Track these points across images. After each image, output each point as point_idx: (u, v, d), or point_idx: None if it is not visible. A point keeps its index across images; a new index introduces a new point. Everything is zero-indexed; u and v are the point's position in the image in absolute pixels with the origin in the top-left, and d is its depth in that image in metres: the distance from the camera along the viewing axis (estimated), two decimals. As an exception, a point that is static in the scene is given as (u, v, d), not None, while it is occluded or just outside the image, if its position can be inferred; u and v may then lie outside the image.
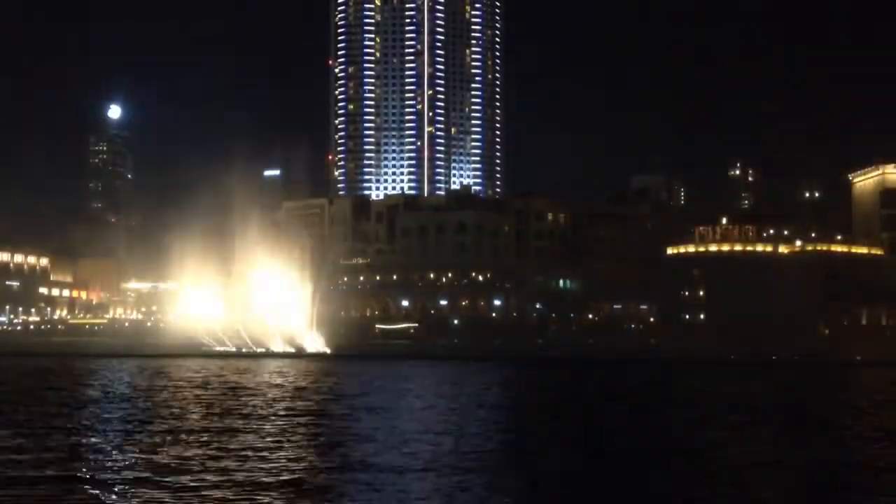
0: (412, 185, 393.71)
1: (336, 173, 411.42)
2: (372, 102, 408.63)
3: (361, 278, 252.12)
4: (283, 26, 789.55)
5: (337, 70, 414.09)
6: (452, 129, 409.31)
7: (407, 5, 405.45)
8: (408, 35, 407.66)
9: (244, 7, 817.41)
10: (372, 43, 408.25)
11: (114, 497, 29.70)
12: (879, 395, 68.56)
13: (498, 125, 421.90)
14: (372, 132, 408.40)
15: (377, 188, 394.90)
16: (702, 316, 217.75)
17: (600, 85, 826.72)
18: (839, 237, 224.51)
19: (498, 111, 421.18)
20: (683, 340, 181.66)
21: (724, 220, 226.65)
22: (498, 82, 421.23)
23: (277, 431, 46.03)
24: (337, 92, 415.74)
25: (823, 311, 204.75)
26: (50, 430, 45.97)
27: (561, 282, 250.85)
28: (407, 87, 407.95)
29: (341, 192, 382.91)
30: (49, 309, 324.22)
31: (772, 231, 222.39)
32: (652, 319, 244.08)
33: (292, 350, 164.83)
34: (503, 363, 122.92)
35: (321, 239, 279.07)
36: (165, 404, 61.13)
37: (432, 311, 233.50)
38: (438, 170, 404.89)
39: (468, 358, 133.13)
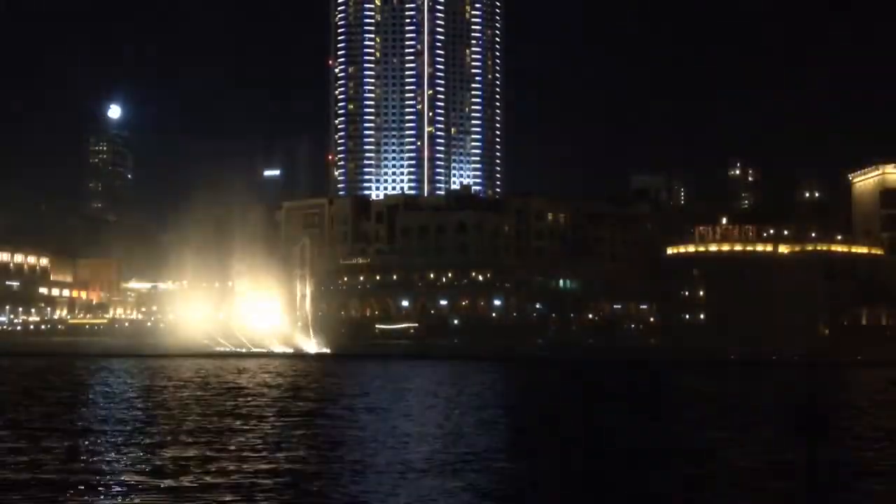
0: (412, 185, 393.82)
1: (336, 173, 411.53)
2: (372, 102, 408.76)
3: (361, 278, 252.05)
4: (283, 26, 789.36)
5: (337, 70, 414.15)
6: (452, 129, 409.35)
7: (407, 5, 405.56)
8: (408, 35, 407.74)
9: (244, 7, 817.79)
10: (372, 43, 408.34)
11: (113, 499, 29.68)
12: (879, 396, 68.56)
13: (498, 125, 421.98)
14: (372, 132, 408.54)
15: (377, 188, 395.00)
16: (702, 316, 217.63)
17: (600, 85, 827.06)
18: (839, 237, 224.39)
19: (498, 111, 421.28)
20: (683, 340, 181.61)
21: (724, 220, 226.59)
22: (498, 82, 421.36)
23: (277, 432, 46.02)
24: (337, 92, 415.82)
25: (823, 311, 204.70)
26: (49, 430, 45.95)
27: (561, 282, 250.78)
28: (407, 87, 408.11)
29: (341, 192, 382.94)
30: (49, 309, 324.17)
31: (772, 231, 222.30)
32: (652, 319, 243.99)
33: (292, 350, 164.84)
34: (503, 363, 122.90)
35: (321, 239, 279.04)
36: (165, 405, 61.12)
37: (432, 311, 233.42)
38: (438, 170, 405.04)
39: (468, 358, 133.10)
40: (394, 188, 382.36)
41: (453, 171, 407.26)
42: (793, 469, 35.27)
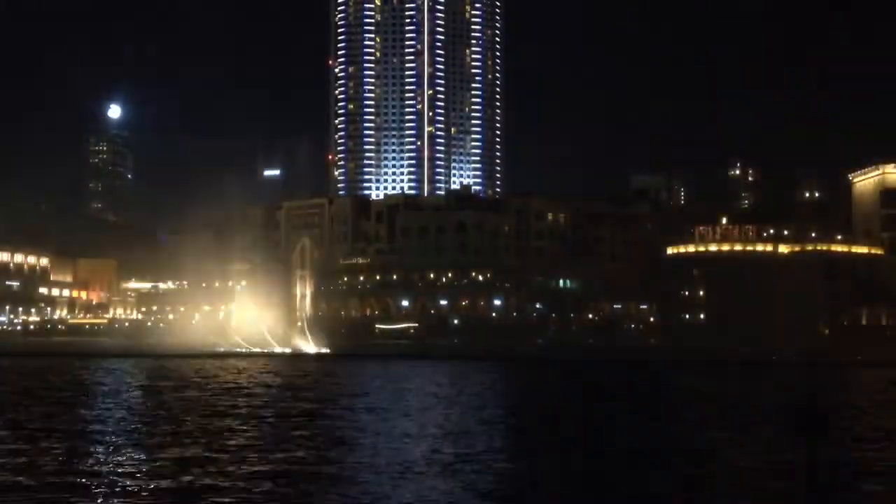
0: (412, 185, 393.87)
1: (336, 173, 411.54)
2: (372, 102, 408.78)
3: (361, 278, 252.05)
4: (283, 26, 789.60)
5: (337, 70, 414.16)
6: (452, 129, 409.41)
7: (407, 5, 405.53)
8: (408, 35, 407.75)
9: (244, 7, 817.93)
10: (372, 43, 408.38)
11: (113, 500, 29.65)
12: (879, 396, 68.52)
13: (498, 125, 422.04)
14: (372, 132, 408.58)
15: (377, 188, 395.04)
16: (702, 316, 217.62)
17: (600, 85, 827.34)
18: (839, 237, 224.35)
19: (498, 111, 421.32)
20: (683, 340, 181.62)
21: (724, 220, 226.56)
22: (498, 82, 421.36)
23: (276, 432, 45.98)
24: (337, 92, 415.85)
25: (823, 311, 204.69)
26: (49, 431, 45.92)
27: (561, 282, 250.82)
28: (407, 87, 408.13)
29: (341, 192, 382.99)
30: (49, 309, 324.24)
31: (772, 231, 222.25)
32: (652, 319, 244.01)
33: (291, 350, 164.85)
34: (503, 363, 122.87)
35: (321, 239, 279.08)
36: (164, 405, 61.08)
37: (432, 311, 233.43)
38: (438, 170, 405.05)
39: (468, 358, 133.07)
40: (394, 188, 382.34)
41: (453, 171, 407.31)
42: (793, 469, 35.24)
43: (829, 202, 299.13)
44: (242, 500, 29.30)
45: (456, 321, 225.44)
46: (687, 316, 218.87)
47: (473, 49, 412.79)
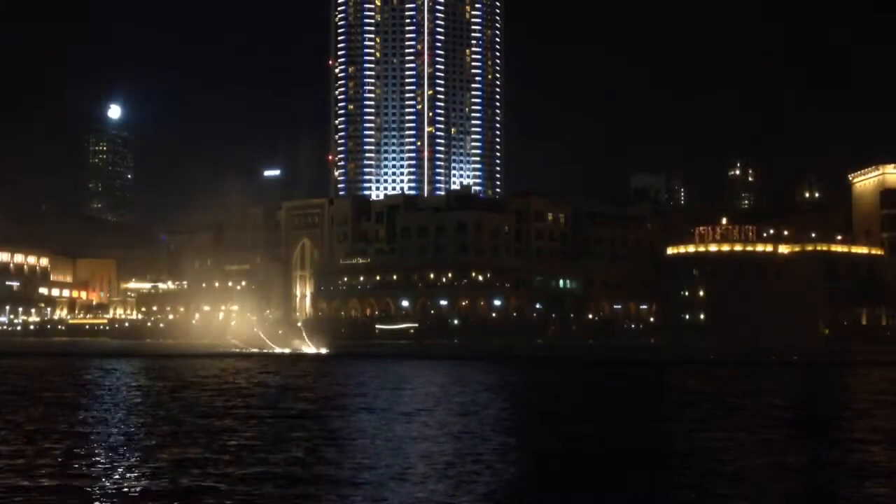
0: (412, 185, 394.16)
1: (336, 173, 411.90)
2: (372, 102, 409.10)
3: (361, 278, 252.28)
4: (283, 26, 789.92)
5: (337, 70, 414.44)
6: (452, 129, 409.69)
7: (407, 5, 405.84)
8: (408, 35, 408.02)
9: (244, 7, 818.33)
10: (372, 43, 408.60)
11: (111, 501, 29.64)
12: (879, 396, 68.49)
13: (498, 125, 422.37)
14: (372, 132, 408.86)
15: (377, 188, 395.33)
16: (702, 316, 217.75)
17: (600, 85, 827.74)
18: (839, 237, 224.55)
19: (498, 111, 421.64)
20: (683, 340, 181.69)
21: (724, 220, 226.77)
22: (498, 82, 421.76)
23: (275, 432, 45.96)
24: (337, 92, 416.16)
25: (823, 311, 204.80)
26: (48, 431, 45.90)
27: (561, 282, 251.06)
28: (407, 87, 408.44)
29: (341, 192, 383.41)
30: (49, 309, 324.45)
31: (772, 231, 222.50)
32: (652, 319, 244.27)
33: (291, 350, 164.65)
34: (503, 363, 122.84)
35: (321, 239, 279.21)
36: (164, 405, 61.07)
37: (432, 311, 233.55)
38: (438, 170, 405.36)
39: (468, 358, 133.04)
40: (394, 188, 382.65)
41: (453, 171, 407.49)
42: (793, 470, 35.24)
43: (829, 202, 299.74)
44: (241, 501, 29.29)
45: (456, 321, 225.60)
46: (687, 316, 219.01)
47: (473, 49, 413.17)
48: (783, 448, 41.40)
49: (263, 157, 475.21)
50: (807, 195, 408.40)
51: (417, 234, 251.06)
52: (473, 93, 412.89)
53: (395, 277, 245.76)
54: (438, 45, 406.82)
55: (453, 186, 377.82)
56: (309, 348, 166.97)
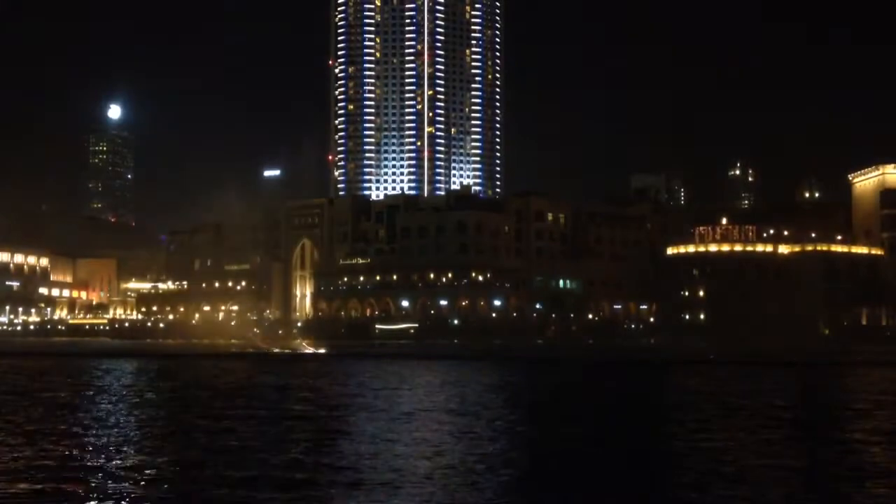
0: (412, 185, 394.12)
1: (336, 173, 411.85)
2: (372, 102, 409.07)
3: (361, 278, 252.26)
4: (283, 26, 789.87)
5: (337, 70, 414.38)
6: (452, 129, 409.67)
7: (407, 5, 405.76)
8: (408, 35, 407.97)
9: (244, 7, 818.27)
10: (372, 43, 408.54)
11: (110, 501, 29.60)
12: (880, 396, 68.44)
13: (498, 125, 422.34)
14: (372, 132, 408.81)
15: (377, 188, 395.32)
16: (702, 316, 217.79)
17: (600, 85, 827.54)
18: (839, 237, 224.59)
19: (498, 111, 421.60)
20: (683, 340, 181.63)
21: (724, 220, 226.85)
22: (498, 82, 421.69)
23: (275, 432, 45.93)
24: (337, 92, 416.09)
25: (823, 311, 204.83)
26: (46, 432, 45.85)
27: (561, 282, 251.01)
28: (407, 87, 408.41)
29: (341, 192, 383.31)
30: (49, 309, 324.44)
31: (772, 231, 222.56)
32: (652, 319, 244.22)
33: (291, 351, 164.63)
34: (503, 363, 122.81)
35: (321, 239, 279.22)
36: (163, 405, 61.07)
37: (432, 311, 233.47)
38: (438, 170, 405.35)
39: (468, 358, 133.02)
40: (394, 188, 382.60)
41: (453, 171, 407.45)
42: (793, 471, 35.21)
43: (829, 202, 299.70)
44: (240, 502, 29.26)
45: (456, 321, 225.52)
46: (687, 316, 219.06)
47: (473, 49, 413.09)
48: (783, 448, 41.36)
49: (263, 157, 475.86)
50: (807, 195, 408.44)
51: (417, 234, 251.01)
52: (473, 93, 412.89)
53: (395, 277, 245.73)
54: (438, 45, 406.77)
55: (453, 186, 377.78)
56: (310, 348, 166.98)
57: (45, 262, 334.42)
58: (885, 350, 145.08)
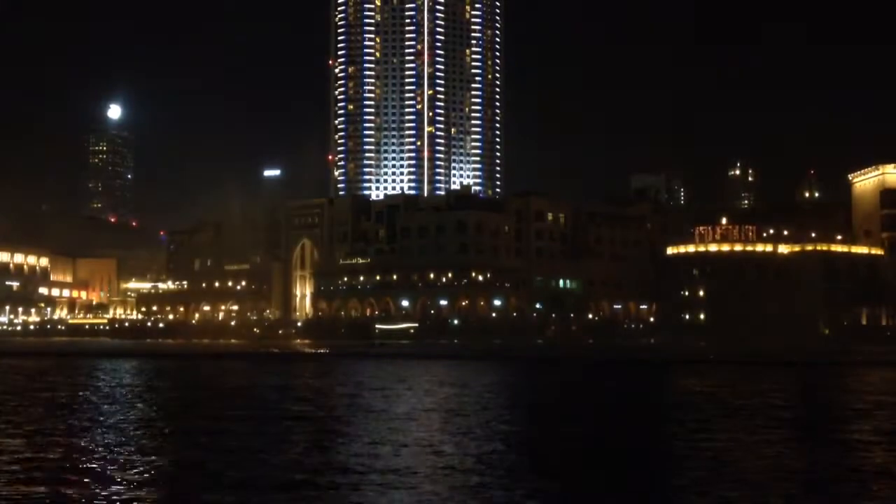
0: (412, 185, 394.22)
1: (336, 173, 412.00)
2: (372, 102, 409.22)
3: (361, 278, 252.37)
4: (283, 26, 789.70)
5: (337, 70, 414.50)
6: (452, 129, 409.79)
7: (407, 5, 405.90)
8: (408, 35, 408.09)
9: (244, 7, 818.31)
10: (372, 43, 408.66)
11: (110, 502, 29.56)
12: (880, 396, 68.40)
13: (498, 125, 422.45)
14: (372, 132, 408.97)
15: (377, 188, 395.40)
16: (702, 316, 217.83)
17: (600, 85, 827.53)
18: (839, 237, 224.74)
19: (498, 111, 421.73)
20: (683, 340, 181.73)
21: (724, 220, 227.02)
22: (498, 82, 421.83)
23: (274, 433, 45.87)
24: (337, 92, 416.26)
25: (823, 311, 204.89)
26: (45, 433, 45.82)
27: (561, 282, 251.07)
28: (407, 87, 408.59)
29: (341, 192, 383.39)
30: (49, 309, 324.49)
31: (772, 231, 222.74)
32: (652, 319, 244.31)
33: (290, 351, 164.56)
34: (503, 363, 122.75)
35: (321, 239, 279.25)
36: (163, 405, 61.02)
37: (432, 311, 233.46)
38: (438, 170, 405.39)
39: (468, 358, 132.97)
40: (394, 188, 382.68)
41: (453, 171, 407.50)
42: (793, 471, 35.16)
43: (829, 202, 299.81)
44: (240, 502, 29.23)
45: (456, 321, 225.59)
46: (687, 316, 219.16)
47: (473, 49, 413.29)
48: (783, 449, 41.33)
49: (263, 157, 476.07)
50: (807, 195, 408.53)
51: (417, 234, 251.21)
52: (473, 93, 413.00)
53: (395, 277, 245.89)
54: (438, 45, 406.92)
55: (453, 186, 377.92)
56: (310, 348, 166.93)
57: (45, 262, 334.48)
58: (885, 350, 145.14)
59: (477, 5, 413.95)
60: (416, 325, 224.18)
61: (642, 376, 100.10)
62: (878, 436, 45.08)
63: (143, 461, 37.06)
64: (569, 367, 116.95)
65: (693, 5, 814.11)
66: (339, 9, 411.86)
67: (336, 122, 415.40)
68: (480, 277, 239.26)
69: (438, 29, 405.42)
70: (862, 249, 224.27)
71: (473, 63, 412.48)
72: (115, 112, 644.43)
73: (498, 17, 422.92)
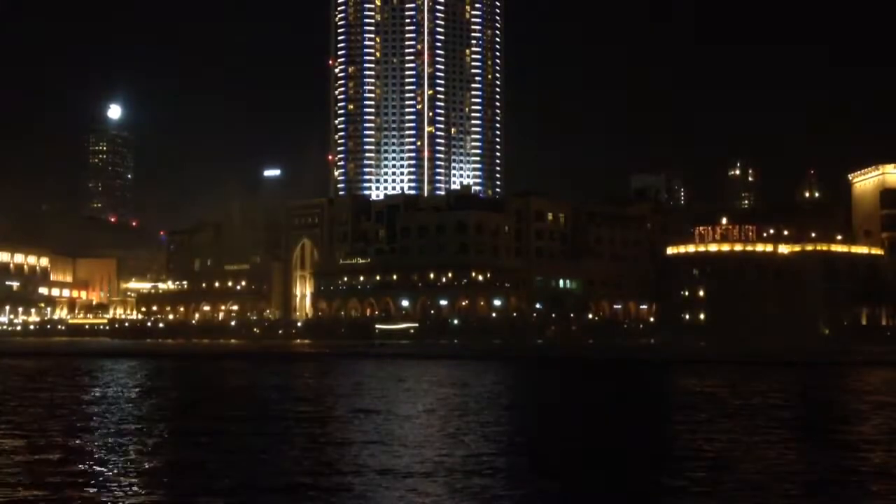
0: (412, 185, 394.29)
1: (336, 173, 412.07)
2: (372, 102, 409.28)
3: (361, 278, 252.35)
4: (283, 26, 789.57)
5: (337, 70, 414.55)
6: (452, 129, 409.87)
7: (407, 5, 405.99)
8: (408, 35, 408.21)
9: (244, 7, 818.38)
10: (372, 43, 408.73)
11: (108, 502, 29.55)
12: (880, 397, 68.37)
13: (498, 125, 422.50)
14: (372, 132, 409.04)
15: (377, 188, 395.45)
16: (702, 316, 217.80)
17: (600, 85, 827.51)
18: (839, 237, 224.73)
19: (498, 111, 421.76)
20: (683, 340, 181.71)
21: (724, 220, 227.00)
22: (498, 82, 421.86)
23: (274, 433, 45.84)
24: (337, 92, 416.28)
25: (823, 311, 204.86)
26: (45, 433, 45.80)
27: (561, 282, 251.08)
28: (407, 87, 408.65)
29: (341, 192, 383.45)
30: (49, 309, 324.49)
31: (772, 231, 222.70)
32: (652, 319, 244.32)
33: (292, 350, 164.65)
34: (503, 363, 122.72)
35: (321, 239, 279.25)
36: (163, 406, 60.99)
37: (432, 311, 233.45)
38: (438, 170, 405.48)
39: (468, 358, 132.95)
40: (394, 188, 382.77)
41: (453, 171, 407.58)
42: (793, 472, 35.13)
43: (829, 202, 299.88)
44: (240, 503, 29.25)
45: (456, 321, 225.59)
46: (687, 316, 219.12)
47: (473, 49, 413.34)
48: (783, 449, 41.30)
49: (263, 157, 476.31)
50: (807, 195, 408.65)
51: (417, 234, 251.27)
52: (473, 93, 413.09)
53: (395, 277, 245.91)
54: (438, 45, 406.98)
55: (453, 186, 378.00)
56: (310, 348, 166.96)
57: (45, 262, 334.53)
58: (885, 350, 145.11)
59: (477, 5, 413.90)
60: (416, 325, 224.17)
61: (642, 376, 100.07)
62: (878, 436, 45.06)
63: (143, 461, 37.05)
64: (569, 367, 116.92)
65: (693, 5, 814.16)
66: (339, 9, 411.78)
67: (336, 122, 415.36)
68: (480, 277, 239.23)
69: (438, 29, 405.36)
70: (862, 249, 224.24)
71: (473, 63, 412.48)
72: (115, 112, 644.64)
73: (498, 17, 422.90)
